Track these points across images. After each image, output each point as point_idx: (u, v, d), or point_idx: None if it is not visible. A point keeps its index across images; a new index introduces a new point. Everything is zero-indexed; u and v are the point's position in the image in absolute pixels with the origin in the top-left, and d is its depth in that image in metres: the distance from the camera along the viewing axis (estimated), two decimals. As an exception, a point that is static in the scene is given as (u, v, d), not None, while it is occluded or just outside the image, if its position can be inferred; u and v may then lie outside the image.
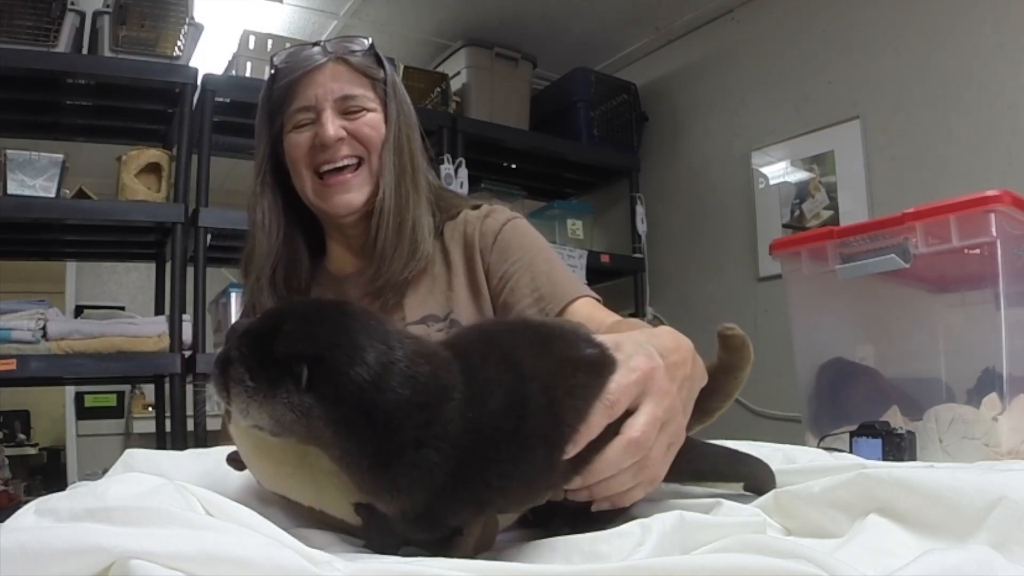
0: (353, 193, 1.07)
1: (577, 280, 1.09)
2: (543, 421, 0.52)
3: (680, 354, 0.66)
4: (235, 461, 0.58)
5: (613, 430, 0.56)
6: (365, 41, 1.10)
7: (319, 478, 0.54)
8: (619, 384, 0.57)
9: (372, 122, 1.08)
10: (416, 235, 1.07)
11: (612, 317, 0.99)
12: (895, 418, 1.29)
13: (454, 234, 1.13)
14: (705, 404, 0.70)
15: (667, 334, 0.68)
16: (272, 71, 1.10)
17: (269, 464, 0.55)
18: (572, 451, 0.54)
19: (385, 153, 1.08)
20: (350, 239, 1.14)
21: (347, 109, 1.07)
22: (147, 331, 2.09)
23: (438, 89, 2.85)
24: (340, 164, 1.06)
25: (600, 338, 0.62)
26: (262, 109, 1.12)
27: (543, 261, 1.08)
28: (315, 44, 1.08)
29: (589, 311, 1.01)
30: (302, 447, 0.53)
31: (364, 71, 1.09)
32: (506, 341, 0.56)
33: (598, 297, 1.05)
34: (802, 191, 2.57)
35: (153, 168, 2.18)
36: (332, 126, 1.04)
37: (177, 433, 2.09)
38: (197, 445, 1.85)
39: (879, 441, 1.22)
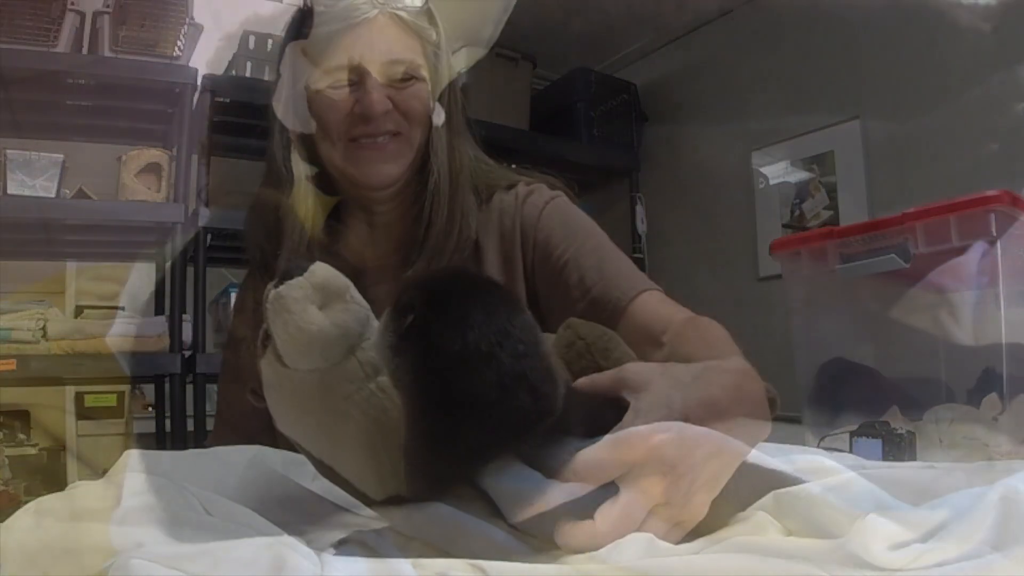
0: (390, 164, 0.93)
1: (633, 270, 0.93)
2: None
3: (733, 413, 0.53)
4: (254, 394, 0.58)
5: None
6: None
7: (340, 439, 0.54)
8: (589, 459, 0.46)
9: (420, 93, 0.93)
10: (461, 224, 0.95)
11: (682, 313, 0.85)
12: (895, 418, 1.29)
13: (488, 228, 0.99)
14: None
15: (728, 379, 0.55)
16: (305, 7, 0.95)
17: (293, 407, 0.54)
18: (513, 518, 0.45)
19: (437, 130, 0.95)
20: (374, 216, 0.99)
21: (395, 76, 0.91)
22: (147, 331, 2.09)
23: (438, 89, 2.85)
24: (378, 139, 0.92)
25: (633, 372, 0.53)
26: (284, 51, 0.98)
27: (590, 252, 0.93)
28: None
29: (653, 308, 0.86)
30: (335, 406, 0.53)
31: (418, 31, 0.93)
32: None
33: (658, 287, 0.90)
34: (802, 191, 2.57)
35: (153, 168, 2.18)
36: (378, 94, 0.89)
37: (177, 433, 2.09)
38: (197, 445, 1.85)
39: (879, 441, 1.22)
